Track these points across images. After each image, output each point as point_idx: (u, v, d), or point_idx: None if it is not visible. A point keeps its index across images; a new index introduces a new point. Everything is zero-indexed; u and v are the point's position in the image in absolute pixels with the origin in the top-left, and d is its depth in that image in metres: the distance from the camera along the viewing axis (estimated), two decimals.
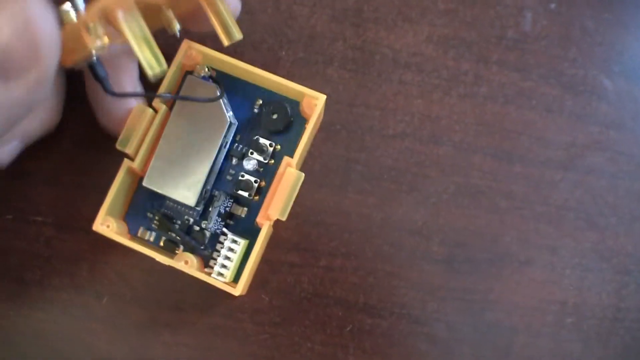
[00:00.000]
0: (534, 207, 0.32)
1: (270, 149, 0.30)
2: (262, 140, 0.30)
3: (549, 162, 0.32)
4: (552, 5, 0.34)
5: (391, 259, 0.31)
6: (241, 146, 0.31)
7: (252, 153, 0.30)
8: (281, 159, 0.29)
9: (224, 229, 0.30)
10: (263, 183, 0.30)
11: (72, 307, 0.31)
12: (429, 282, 0.31)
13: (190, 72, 0.31)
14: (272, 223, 0.28)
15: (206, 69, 0.31)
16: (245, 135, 0.31)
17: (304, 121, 0.30)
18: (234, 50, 0.33)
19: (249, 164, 0.30)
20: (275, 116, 0.30)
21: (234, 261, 0.29)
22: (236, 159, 0.31)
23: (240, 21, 0.33)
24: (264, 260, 0.31)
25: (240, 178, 0.30)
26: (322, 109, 0.30)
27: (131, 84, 0.30)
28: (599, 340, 0.31)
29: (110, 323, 0.31)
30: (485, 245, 0.32)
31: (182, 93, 0.30)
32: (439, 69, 0.33)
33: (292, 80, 0.31)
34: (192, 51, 0.30)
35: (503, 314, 0.31)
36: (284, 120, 0.30)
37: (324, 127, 0.32)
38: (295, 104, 0.31)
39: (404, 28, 0.33)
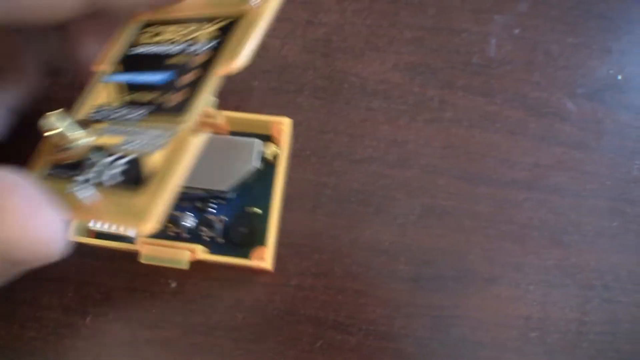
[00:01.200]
0: (498, 226, 0.33)
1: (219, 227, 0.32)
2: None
3: (514, 183, 0.33)
4: (516, 31, 0.35)
5: (360, 278, 0.33)
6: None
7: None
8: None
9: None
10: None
11: (60, 326, 0.33)
12: (396, 300, 0.33)
13: None
14: None
15: None
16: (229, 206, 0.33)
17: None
18: None
19: (188, 220, 0.33)
20: (244, 229, 0.32)
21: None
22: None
23: None
24: (237, 280, 0.33)
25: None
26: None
27: None
28: (564, 353, 0.32)
29: (94, 341, 0.33)
30: (451, 263, 0.33)
31: None
32: (406, 95, 0.34)
33: (265, 108, 0.32)
34: None
35: (469, 329, 0.32)
36: (251, 237, 0.32)
37: (295, 153, 0.34)
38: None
39: (372, 57, 0.35)
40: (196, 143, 0.22)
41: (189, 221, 0.32)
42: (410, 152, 0.34)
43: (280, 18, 0.35)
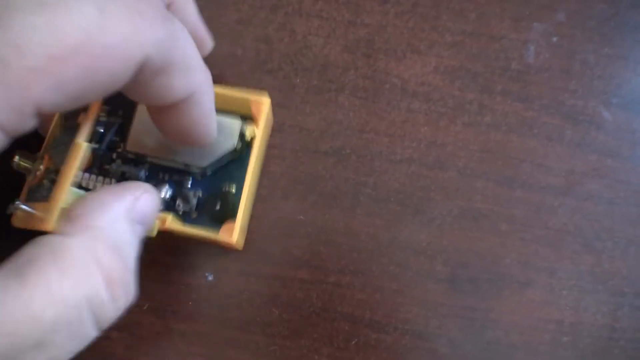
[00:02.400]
0: (534, 230, 0.33)
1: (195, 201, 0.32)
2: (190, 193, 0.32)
3: (549, 188, 0.34)
4: (555, 39, 0.35)
5: (397, 277, 0.33)
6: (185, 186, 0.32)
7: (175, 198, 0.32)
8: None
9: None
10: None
11: None
12: (432, 300, 0.33)
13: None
14: None
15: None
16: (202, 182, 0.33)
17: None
18: (251, 76, 0.35)
19: (162, 192, 0.32)
20: (218, 206, 0.32)
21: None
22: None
23: (258, 50, 0.35)
24: (275, 276, 0.33)
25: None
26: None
27: None
28: (595, 359, 0.32)
29: (128, 332, 0.33)
30: (487, 266, 0.33)
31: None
32: (445, 98, 0.35)
33: (307, 106, 0.33)
34: None
35: (502, 332, 0.33)
36: (223, 213, 0.31)
37: (335, 151, 0.34)
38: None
39: (413, 59, 0.35)
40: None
41: (164, 192, 0.32)
42: (448, 154, 0.34)
43: (323, 17, 0.36)
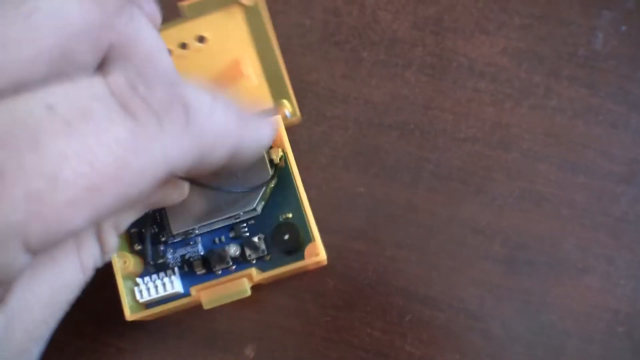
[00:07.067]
0: (594, 217, 0.33)
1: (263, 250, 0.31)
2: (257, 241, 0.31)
3: (612, 176, 0.33)
4: (623, 28, 0.35)
5: (454, 255, 0.33)
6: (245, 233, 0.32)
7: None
8: None
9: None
10: None
11: None
12: (488, 281, 0.32)
13: None
14: None
15: None
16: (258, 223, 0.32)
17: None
18: (318, 47, 0.35)
19: (232, 251, 0.31)
20: (287, 237, 0.31)
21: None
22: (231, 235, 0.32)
23: (327, 22, 0.35)
24: (331, 245, 0.32)
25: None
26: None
27: None
28: None
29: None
30: (545, 249, 0.33)
31: None
32: (512, 80, 0.34)
33: (372, 80, 0.33)
34: None
35: (557, 317, 0.32)
36: (295, 241, 0.31)
37: (399, 125, 0.34)
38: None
39: (481, 39, 0.35)
40: None
41: (232, 250, 0.31)
42: (513, 135, 0.34)
43: None
